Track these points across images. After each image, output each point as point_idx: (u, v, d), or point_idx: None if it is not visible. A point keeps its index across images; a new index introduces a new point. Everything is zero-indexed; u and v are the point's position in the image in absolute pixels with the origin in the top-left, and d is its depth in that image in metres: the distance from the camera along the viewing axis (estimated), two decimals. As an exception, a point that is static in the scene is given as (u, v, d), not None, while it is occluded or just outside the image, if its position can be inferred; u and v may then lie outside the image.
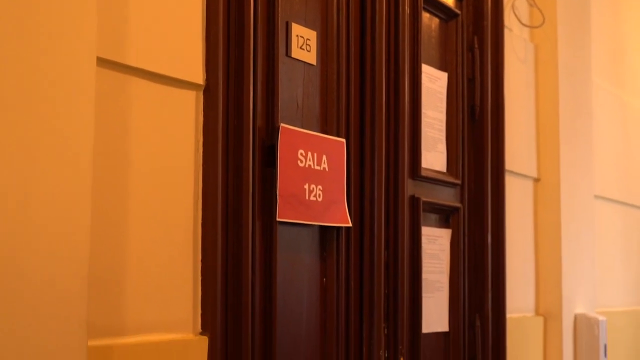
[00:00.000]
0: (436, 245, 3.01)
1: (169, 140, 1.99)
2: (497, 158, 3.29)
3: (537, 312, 3.66)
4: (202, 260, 2.04)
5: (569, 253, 3.69)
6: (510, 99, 3.42)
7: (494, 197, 3.26)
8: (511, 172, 3.45)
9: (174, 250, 1.98)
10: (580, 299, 3.77)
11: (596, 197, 4.09)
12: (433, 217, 3.03)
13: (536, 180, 3.68)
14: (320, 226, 2.45)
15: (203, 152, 2.06)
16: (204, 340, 2.01)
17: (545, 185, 3.69)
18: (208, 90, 2.07)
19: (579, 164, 3.85)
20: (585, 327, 3.74)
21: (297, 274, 2.38)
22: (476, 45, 3.25)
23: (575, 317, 3.74)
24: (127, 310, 1.86)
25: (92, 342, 1.71)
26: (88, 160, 1.64)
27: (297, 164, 2.33)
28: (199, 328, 2.02)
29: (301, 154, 2.35)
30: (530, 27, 3.65)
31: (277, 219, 2.25)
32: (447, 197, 3.08)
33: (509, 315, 3.35)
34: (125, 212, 1.88)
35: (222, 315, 2.07)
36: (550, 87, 3.68)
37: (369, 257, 2.61)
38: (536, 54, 3.69)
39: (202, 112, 2.07)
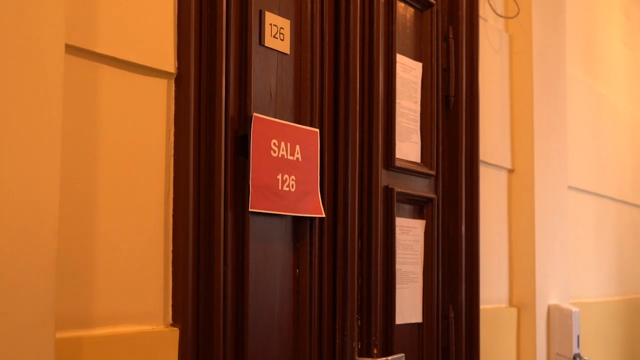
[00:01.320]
0: (410, 236, 3.00)
1: (140, 129, 1.96)
2: (472, 149, 3.28)
3: (511, 303, 3.66)
4: (173, 251, 2.02)
5: (543, 244, 3.70)
6: (485, 89, 3.42)
7: (468, 188, 3.26)
8: (485, 163, 3.44)
9: (144, 240, 1.95)
10: (553, 290, 3.78)
11: (570, 188, 4.09)
12: (407, 207, 3.02)
13: (510, 171, 3.68)
14: (294, 217, 2.43)
15: (174, 141, 2.03)
16: (175, 332, 1.98)
17: (519, 176, 3.68)
18: (180, 79, 2.04)
19: (553, 155, 3.85)
20: (558, 318, 3.74)
21: (270, 265, 2.35)
22: (451, 35, 3.24)
23: (549, 308, 3.74)
24: (96, 301, 1.83)
25: (60, 334, 1.68)
26: (56, 148, 1.61)
27: (271, 154, 2.31)
28: (169, 319, 2.00)
29: (274, 143, 2.33)
30: (505, 17, 3.64)
31: (250, 210, 2.23)
32: (421, 187, 3.06)
33: (483, 306, 3.34)
34: (94, 201, 1.85)
35: (194, 307, 2.05)
36: (524, 77, 3.67)
37: (343, 247, 2.60)
38: (511, 44, 3.69)
39: (174, 101, 2.04)
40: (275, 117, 2.36)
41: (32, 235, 1.56)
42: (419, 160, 3.06)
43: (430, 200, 3.09)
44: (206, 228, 2.10)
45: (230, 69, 2.20)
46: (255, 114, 2.25)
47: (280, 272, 2.39)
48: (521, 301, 3.66)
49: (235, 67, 2.24)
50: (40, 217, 1.58)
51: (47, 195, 1.60)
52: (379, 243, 2.76)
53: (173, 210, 2.02)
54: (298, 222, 2.45)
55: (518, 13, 3.61)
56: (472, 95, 3.30)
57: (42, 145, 1.59)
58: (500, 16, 3.60)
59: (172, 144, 2.03)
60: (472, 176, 3.27)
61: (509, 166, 3.65)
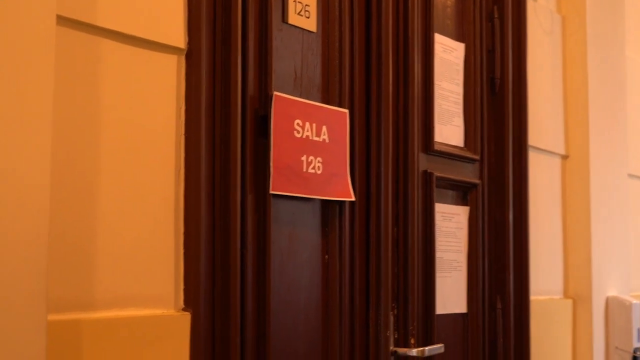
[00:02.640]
0: (453, 223, 2.88)
1: (147, 107, 1.89)
2: (520, 133, 3.15)
3: (566, 295, 3.51)
4: (184, 232, 1.94)
5: (600, 233, 3.54)
6: (535, 72, 3.28)
7: (516, 174, 3.12)
8: (537, 148, 3.31)
9: (152, 220, 1.88)
10: (612, 281, 3.62)
11: (630, 176, 3.91)
12: (449, 193, 2.90)
13: (564, 157, 3.53)
14: (322, 200, 2.34)
15: (185, 120, 1.95)
16: (186, 317, 1.91)
17: (574, 163, 3.53)
18: (190, 55, 1.97)
19: (610, 140, 3.69)
20: (617, 311, 3.58)
21: (296, 250, 2.27)
22: (496, 15, 3.11)
23: (607, 300, 3.59)
24: (99, 282, 1.76)
25: (56, 317, 1.62)
26: (46, 123, 1.54)
27: (294, 134, 2.22)
28: (181, 304, 1.93)
29: (298, 124, 2.24)
30: (556, -4, 3.50)
31: (270, 192, 2.14)
32: (464, 173, 2.95)
33: (534, 297, 3.21)
34: (97, 180, 1.78)
35: (208, 291, 1.97)
36: (578, 60, 3.52)
37: (376, 233, 2.49)
38: (563, 25, 3.54)
39: (184, 79, 1.96)
40: (300, 97, 2.28)
41: (18, 212, 1.49)
42: (462, 145, 2.95)
43: (474, 186, 2.97)
44: (222, 209, 2.02)
45: (248, 47, 2.12)
46: (275, 93, 2.16)
47: (308, 258, 2.30)
48: (577, 292, 3.51)
49: (255, 44, 2.16)
50: (29, 196, 1.52)
51: (37, 174, 1.53)
52: (417, 229, 2.65)
53: (185, 190, 1.95)
54: (326, 206, 2.36)
55: (569, -9, 3.47)
56: (519, 78, 3.16)
57: (30, 120, 1.52)
58: (551, -5, 3.46)
59: (183, 123, 1.95)
60: (520, 161, 3.14)
61: (562, 152, 3.51)
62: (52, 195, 1.57)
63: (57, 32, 1.58)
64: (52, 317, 1.59)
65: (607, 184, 3.64)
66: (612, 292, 3.61)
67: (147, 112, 1.88)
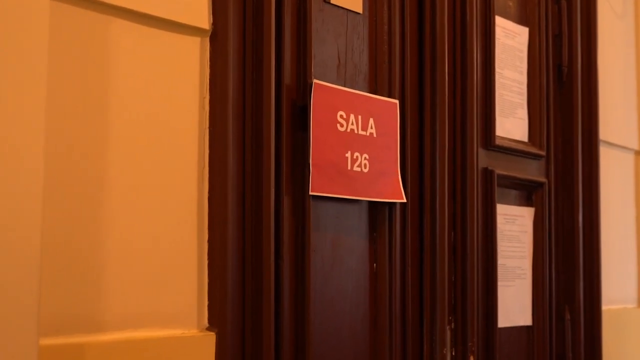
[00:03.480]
0: (516, 226, 2.60)
1: (165, 97, 1.64)
2: (590, 126, 2.85)
3: (640, 304, 3.21)
4: (209, 241, 1.69)
5: (677, 236, 3.23)
6: (605, 58, 2.98)
7: (586, 171, 2.83)
8: (607, 143, 3.01)
9: (171, 228, 1.63)
10: (690, 288, 3.30)
11: None
12: (512, 193, 2.62)
13: (638, 152, 3.22)
14: (370, 202, 2.08)
15: (210, 111, 1.71)
16: (211, 337, 1.66)
17: (648, 159, 3.23)
18: (215, 37, 1.72)
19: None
20: (697, 321, 3.26)
21: (340, 258, 2.01)
22: (563, -3, 2.83)
23: (685, 309, 3.27)
24: (108, 298, 1.52)
25: (53, 340, 1.38)
26: (39, 115, 1.30)
27: (337, 128, 1.97)
28: (205, 322, 1.68)
29: (341, 116, 1.98)
30: (628, -24, 3.19)
31: (310, 193, 1.89)
32: (529, 170, 2.66)
33: (606, 307, 2.92)
34: (105, 179, 1.54)
35: (237, 308, 1.72)
36: (653, 46, 3.22)
37: (431, 238, 2.23)
38: (636, 8, 3.23)
39: (209, 64, 1.71)
40: (344, 87, 2.02)
41: (6, 219, 1.25)
42: (526, 139, 2.66)
43: (540, 185, 2.68)
44: (253, 213, 1.77)
45: (284, 28, 1.87)
46: (316, 81, 1.91)
47: (354, 267, 2.04)
48: (652, 301, 3.20)
49: (292, 26, 1.91)
50: (19, 204, 1.27)
51: (27, 173, 1.29)
52: (477, 233, 2.38)
53: (209, 193, 1.70)
54: (375, 209, 2.10)
55: (643, -30, 3.16)
56: (589, 66, 2.87)
57: (20, 110, 1.28)
58: (623, -25, 3.16)
59: (207, 114, 1.70)
60: (591, 158, 2.85)
61: (635, 147, 3.20)
62: (50, 196, 1.34)
63: (57, 9, 1.34)
64: (47, 340, 1.35)
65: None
66: (691, 301, 3.30)
67: (165, 102, 1.64)
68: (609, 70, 3.04)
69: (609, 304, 2.96)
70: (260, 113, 1.78)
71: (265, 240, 1.76)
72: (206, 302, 1.67)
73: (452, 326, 2.31)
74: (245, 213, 1.76)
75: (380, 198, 2.08)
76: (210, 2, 1.71)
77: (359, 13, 2.09)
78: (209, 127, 1.70)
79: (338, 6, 2.04)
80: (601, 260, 2.84)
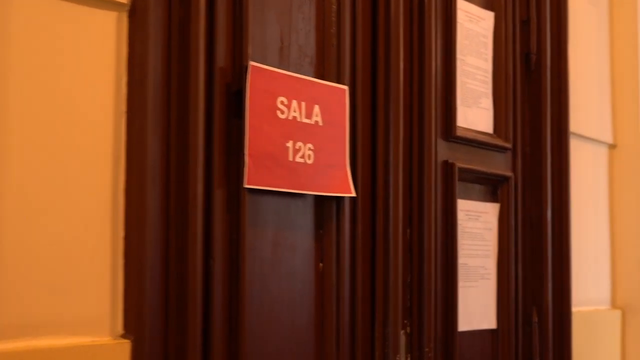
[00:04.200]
0: (480, 222, 2.44)
1: (74, 78, 1.47)
2: (560, 118, 2.70)
3: (614, 305, 3.06)
4: (125, 239, 1.52)
5: (653, 234, 3.08)
6: (577, 46, 2.83)
7: (555, 165, 2.68)
8: (579, 135, 2.86)
9: (80, 221, 1.46)
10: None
11: (687, 167, 3.44)
12: (476, 188, 2.46)
13: (612, 146, 3.08)
14: (316, 196, 1.92)
15: (127, 94, 1.53)
16: (125, 346, 1.48)
17: (622, 153, 3.08)
18: (134, 12, 1.54)
19: (665, 127, 3.22)
20: (673, 322, 3.12)
21: (281, 258, 1.84)
22: (531, -20, 2.66)
23: (662, 310, 3.12)
24: (8, 306, 1.35)
25: None
26: None
27: (277, 115, 1.80)
28: (119, 329, 1.50)
29: (282, 102, 1.81)
30: (602, -41, 3.04)
31: (245, 186, 1.72)
32: (494, 164, 2.50)
33: (577, 308, 2.77)
34: (2, 169, 1.36)
35: (158, 313, 1.55)
36: (628, 33, 3.07)
37: (383, 235, 2.06)
38: (610, -6, 3.08)
39: (127, 42, 1.54)
40: (288, 71, 1.85)
41: None
42: (491, 131, 2.50)
43: (505, 179, 2.52)
44: (179, 209, 1.60)
45: (217, 4, 1.70)
46: (252, 63, 1.74)
47: (297, 267, 1.88)
48: (627, 302, 3.05)
49: (227, 2, 1.74)
50: None
51: None
52: (435, 231, 2.22)
53: (125, 186, 1.52)
54: (321, 204, 1.93)
55: (617, -46, 3.01)
56: (559, 53, 2.71)
57: None
58: (596, -41, 3.00)
59: (125, 97, 1.53)
60: (561, 151, 2.69)
61: (609, 140, 3.05)
62: None
63: None
64: None
65: (661, 177, 3.17)
66: (667, 301, 3.15)
67: (74, 84, 1.46)
68: (581, 58, 2.89)
69: (580, 306, 2.81)
70: (186, 97, 1.61)
71: (191, 237, 1.60)
72: (121, 307, 1.50)
73: (408, 330, 2.14)
74: (169, 208, 1.59)
75: (326, 192, 1.91)
76: (128, -27, 1.54)
77: (304, -9, 1.93)
78: (127, 112, 1.52)
79: (281, -17, 1.88)
80: (571, 259, 2.68)
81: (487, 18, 2.51)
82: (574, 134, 2.79)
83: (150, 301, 1.53)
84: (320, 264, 1.93)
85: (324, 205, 1.93)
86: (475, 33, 2.45)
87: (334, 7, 1.97)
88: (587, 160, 2.94)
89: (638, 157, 3.07)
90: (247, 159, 1.72)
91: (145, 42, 1.54)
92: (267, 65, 1.80)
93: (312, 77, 1.92)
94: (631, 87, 3.06)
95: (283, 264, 1.85)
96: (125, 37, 1.53)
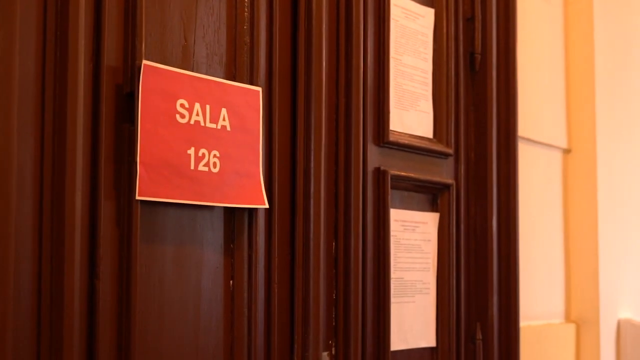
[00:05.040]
0: (417, 234, 2.28)
1: None
2: (507, 121, 2.54)
3: (568, 319, 2.91)
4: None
5: (609, 243, 2.93)
6: (528, 46, 2.68)
7: (502, 172, 2.52)
8: (530, 140, 2.71)
9: None
10: (624, 301, 3.01)
11: (646, 173, 3.30)
12: (414, 197, 2.30)
13: (566, 151, 2.93)
14: (226, 208, 1.75)
15: (-11, 96, 1.37)
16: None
17: (577, 158, 2.94)
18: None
19: (622, 131, 3.07)
20: (631, 336, 2.98)
21: (185, 276, 1.68)
22: (476, -25, 2.51)
23: (619, 324, 2.98)
24: None
25: None
26: None
27: (176, 119, 1.64)
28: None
29: (182, 105, 1.65)
30: (553, -46, 2.89)
31: (137, 198, 1.55)
32: (434, 170, 2.34)
33: (527, 323, 2.62)
34: None
35: (28, 344, 1.38)
36: (583, 33, 2.92)
37: (303, 249, 1.91)
38: (564, -9, 2.93)
39: (-11, 37, 1.37)
40: (192, 71, 1.69)
41: None
42: (430, 135, 2.34)
43: (446, 187, 2.36)
44: (53, 224, 1.43)
45: (104, -3, 1.53)
46: (145, 62, 1.58)
47: (204, 286, 1.71)
48: (581, 315, 2.90)
49: (118, -4, 1.57)
50: None
51: None
52: (364, 243, 2.06)
53: (-15, 199, 1.36)
54: (231, 216, 1.77)
55: (569, -52, 2.86)
56: (507, 53, 2.56)
57: None
58: (548, -46, 2.85)
59: (-14, 100, 1.36)
60: (508, 156, 2.53)
61: (563, 145, 2.90)
62: None
63: None
64: None
65: (619, 183, 3.03)
66: (624, 314, 3.00)
67: None
68: (533, 59, 2.74)
69: (530, 320, 2.66)
70: (64, 99, 1.44)
71: (68, 255, 1.43)
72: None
73: (333, 352, 1.98)
74: (42, 222, 1.42)
75: (235, 203, 1.75)
76: (-10, -41, 1.37)
77: (213, -16, 1.76)
78: (-13, 116, 1.36)
79: (184, -26, 1.71)
80: (519, 271, 2.53)
81: (426, 15, 2.35)
82: (525, 138, 2.65)
83: (15, 331, 1.36)
84: (231, 282, 1.77)
85: (234, 218, 1.77)
86: (412, 31, 2.30)
87: (246, 1, 1.81)
88: (539, 166, 2.79)
89: (594, 163, 2.92)
90: (139, 167, 1.55)
91: (11, 34, 1.37)
92: (167, 65, 1.64)
93: (222, 78, 1.76)
94: (587, 88, 2.92)
95: (187, 283, 1.68)
96: (-12, 31, 1.37)
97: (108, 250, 1.53)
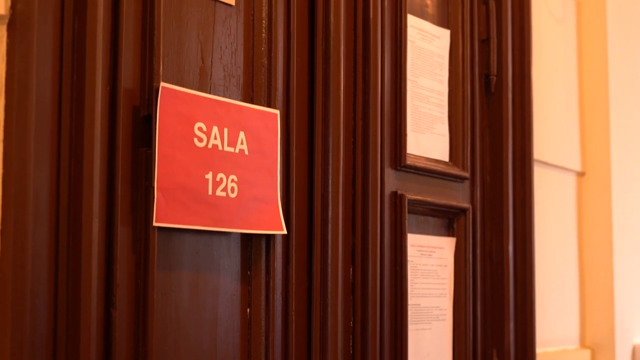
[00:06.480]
0: (433, 259, 2.24)
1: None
2: (522, 144, 2.51)
3: (583, 344, 2.86)
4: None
5: (625, 268, 2.89)
6: (542, 68, 2.64)
7: (518, 196, 2.48)
8: (544, 163, 2.67)
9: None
10: (639, 326, 2.96)
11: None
12: (430, 221, 2.26)
13: (580, 174, 2.89)
14: (243, 234, 1.71)
15: (5, 118, 1.32)
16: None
17: (592, 181, 2.89)
18: (14, 24, 1.33)
19: (636, 154, 3.03)
20: (646, 362, 2.93)
21: (201, 304, 1.63)
22: (491, -4, 2.48)
23: (634, 350, 2.93)
24: None
25: None
26: None
27: (194, 143, 1.59)
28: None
29: (200, 129, 1.61)
30: (568, -25, 2.85)
31: (155, 224, 1.51)
32: (450, 194, 2.30)
33: (544, 349, 2.57)
34: None
35: (40, 373, 1.34)
36: (597, 55, 2.88)
37: (321, 276, 1.86)
38: (578, 12, 2.89)
39: (5, 58, 1.33)
40: (209, 93, 1.65)
41: None
42: (446, 159, 2.30)
43: (462, 211, 2.32)
44: (69, 251, 1.39)
45: (122, 17, 1.49)
46: (164, 84, 1.54)
47: (221, 314, 1.67)
48: (596, 341, 2.85)
49: (136, 15, 1.54)
50: None
51: None
52: (381, 269, 2.01)
53: (1, 223, 1.31)
54: (248, 242, 1.73)
55: (584, -31, 2.82)
56: (522, 75, 2.52)
57: None
58: (562, -25, 2.82)
59: (2, 123, 1.32)
60: (524, 180, 2.50)
61: (577, 168, 2.86)
62: None
63: None
64: None
65: (632, 206, 2.98)
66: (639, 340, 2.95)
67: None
68: (547, 81, 2.70)
69: (545, 346, 2.61)
70: (80, 123, 1.40)
71: (84, 283, 1.38)
72: (-4, 369, 1.29)
73: (351, 380, 1.93)
74: (58, 250, 1.38)
75: (254, 229, 1.70)
76: (8, -21, 1.33)
77: (230, 5, 1.73)
78: (4, 140, 1.31)
79: (202, -5, 1.68)
80: (535, 297, 2.48)
81: (442, 36, 2.31)
82: (539, 161, 2.60)
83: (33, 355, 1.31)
84: (248, 310, 1.72)
85: (251, 244, 1.73)
86: (429, 52, 2.26)
87: (265, 22, 1.77)
88: (553, 190, 2.74)
89: (607, 185, 2.88)
90: (156, 193, 1.51)
91: (28, 58, 1.33)
92: (184, 87, 1.60)
93: (240, 100, 1.72)
94: (601, 111, 2.88)
95: (204, 310, 1.64)
96: (3, 52, 1.32)
97: (124, 277, 1.49)
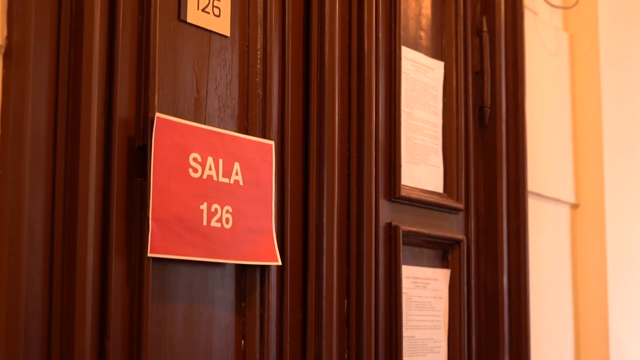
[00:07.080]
0: (428, 290, 2.23)
1: None
2: (517, 176, 2.51)
3: (578, 377, 2.85)
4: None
5: (619, 301, 2.88)
6: (535, 100, 2.65)
7: (512, 227, 2.48)
8: (538, 195, 2.66)
9: None
10: (635, 358, 2.94)
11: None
12: (424, 253, 2.25)
13: (574, 206, 2.88)
14: (237, 265, 1.70)
15: (0, 150, 1.32)
16: None
17: (585, 213, 2.89)
18: (10, 54, 1.33)
19: (630, 186, 3.03)
20: (642, 395, 2.91)
21: (196, 335, 1.62)
22: (485, 29, 2.49)
23: (629, 383, 2.91)
24: None
25: None
26: None
27: (189, 173, 1.59)
28: None
29: (195, 159, 1.61)
30: (561, 7, 2.86)
31: (149, 255, 1.50)
32: (444, 226, 2.30)
33: (538, 382, 2.55)
34: None
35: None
36: (590, 87, 2.89)
37: (316, 307, 1.85)
38: (571, 45, 2.91)
39: (1, 89, 1.33)
40: (204, 124, 1.65)
41: None
42: (441, 190, 2.30)
43: (457, 242, 2.31)
44: (63, 282, 1.38)
45: (118, 49, 1.50)
46: (159, 115, 1.54)
47: (215, 345, 1.66)
48: (591, 374, 2.84)
49: (131, 47, 1.54)
50: None
51: None
52: (376, 301, 2.00)
53: (-4, 258, 1.31)
54: (243, 273, 1.72)
55: (577, 2, 2.83)
56: (515, 107, 2.53)
57: None
58: (555, 6, 2.82)
59: (-5, 156, 1.32)
60: (518, 212, 2.49)
61: (571, 200, 2.86)
62: None
63: None
64: None
65: (627, 238, 2.98)
66: (634, 372, 2.94)
67: None
68: (541, 113, 2.70)
69: (540, 379, 2.59)
70: (76, 153, 1.40)
71: (78, 314, 1.38)
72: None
73: (345, 413, 1.92)
74: (52, 281, 1.37)
75: (248, 260, 1.70)
76: (5, 9, 1.33)
77: (225, 36, 1.73)
78: (-2, 171, 1.31)
79: (197, 26, 1.68)
80: (530, 329, 2.47)
81: (436, 68, 2.32)
82: (533, 193, 2.60)
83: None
84: (242, 341, 1.71)
85: (246, 275, 1.72)
86: (423, 84, 2.27)
87: (260, 53, 1.78)
88: (547, 221, 2.74)
89: (602, 218, 2.88)
90: (151, 223, 1.51)
91: (23, 88, 1.33)
92: (179, 117, 1.60)
93: (234, 131, 1.72)
94: (594, 142, 2.88)
95: (198, 342, 1.63)
96: (-1, 82, 1.33)
97: (119, 308, 1.48)
